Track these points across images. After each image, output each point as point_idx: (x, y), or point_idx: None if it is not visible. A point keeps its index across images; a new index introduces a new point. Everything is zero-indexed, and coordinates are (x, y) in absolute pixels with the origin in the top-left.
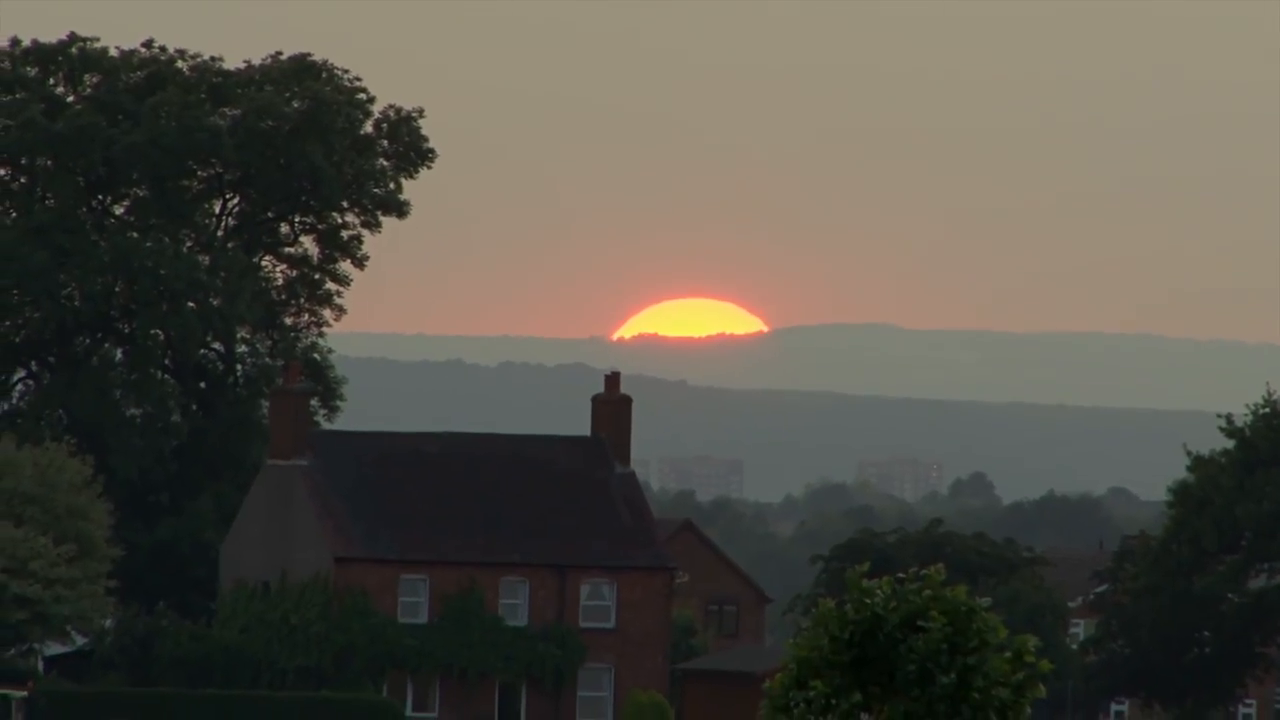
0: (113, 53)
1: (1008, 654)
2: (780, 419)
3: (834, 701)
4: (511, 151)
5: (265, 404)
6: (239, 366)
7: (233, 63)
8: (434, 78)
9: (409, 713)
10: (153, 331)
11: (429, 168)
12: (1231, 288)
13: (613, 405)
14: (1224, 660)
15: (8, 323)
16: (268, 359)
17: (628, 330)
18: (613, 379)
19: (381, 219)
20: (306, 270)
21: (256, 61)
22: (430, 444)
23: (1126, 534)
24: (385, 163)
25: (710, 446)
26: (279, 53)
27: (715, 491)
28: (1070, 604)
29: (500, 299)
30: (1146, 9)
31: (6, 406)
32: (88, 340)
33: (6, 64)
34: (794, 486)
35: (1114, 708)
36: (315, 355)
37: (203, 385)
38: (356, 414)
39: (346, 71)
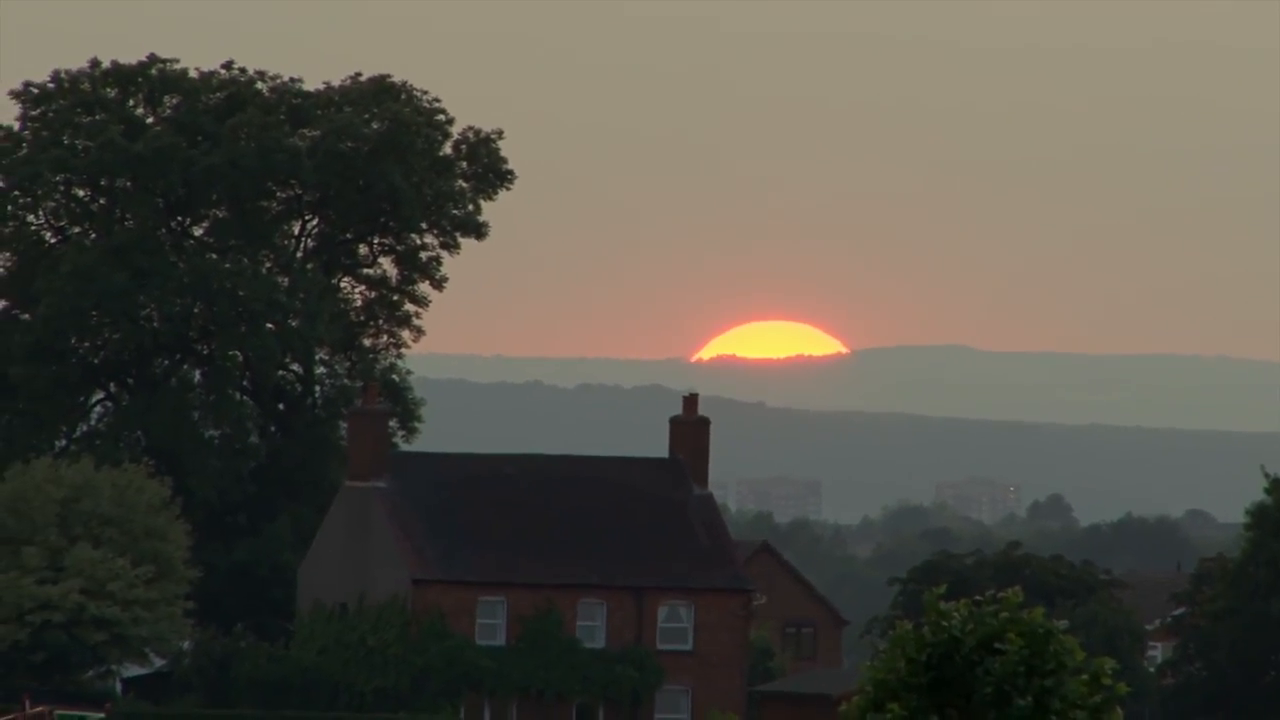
0: (192, 74)
1: (1085, 676)
2: (858, 440)
3: None
4: (589, 173)
5: (343, 425)
6: (317, 388)
7: (312, 84)
8: (513, 99)
9: None
10: (231, 353)
11: (508, 189)
12: None
13: (691, 426)
14: None
15: (87, 344)
16: (346, 380)
17: (708, 352)
18: (690, 400)
19: (460, 240)
20: (385, 291)
21: (336, 83)
22: (508, 466)
23: (1204, 556)
24: (464, 184)
25: (788, 468)
26: (358, 74)
27: (793, 513)
28: (1148, 626)
29: (578, 320)
30: (1212, 33)
31: (85, 428)
32: (166, 361)
33: (87, 85)
34: (871, 508)
35: None
36: (394, 376)
37: (281, 406)
38: (434, 435)
39: (425, 92)
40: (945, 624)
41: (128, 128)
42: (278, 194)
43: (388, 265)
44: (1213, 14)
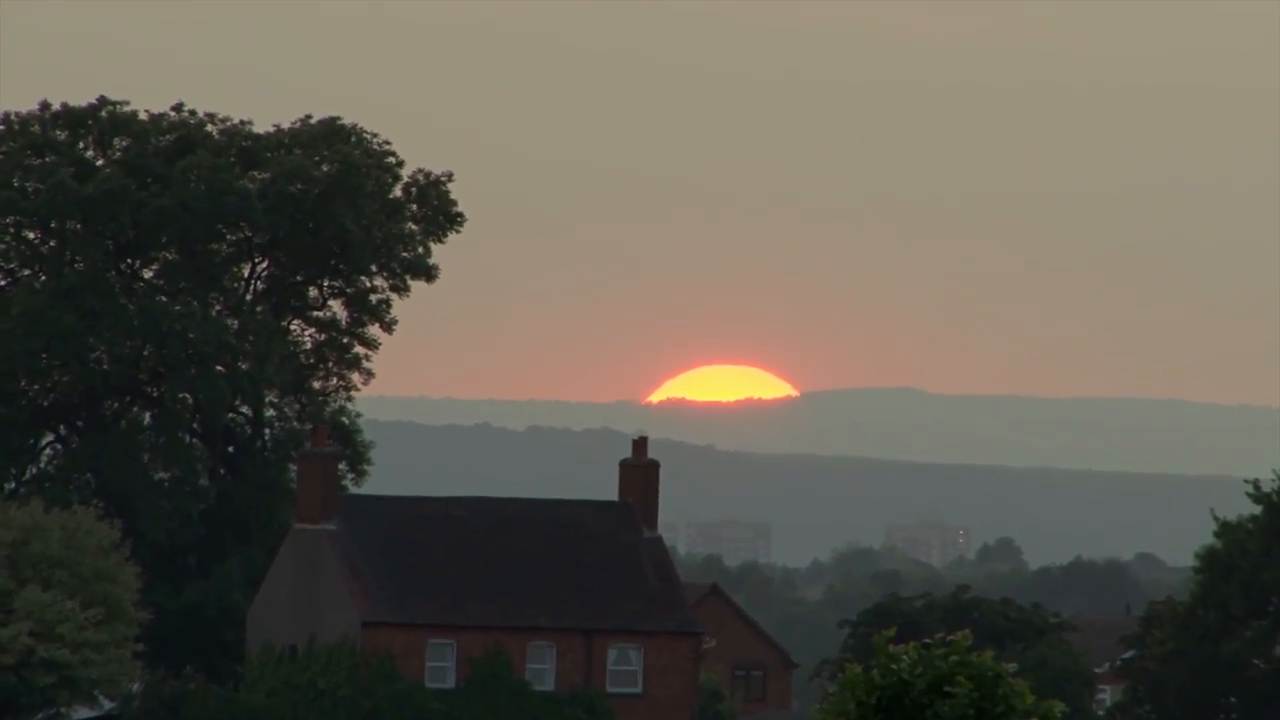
0: (142, 116)
1: (1034, 719)
2: (808, 483)
3: None
4: (540, 217)
5: (293, 467)
6: (267, 430)
7: (262, 126)
8: (463, 142)
9: None
10: (181, 395)
11: (458, 232)
12: (1258, 353)
13: (640, 469)
14: None
15: (36, 386)
16: (295, 423)
17: (658, 395)
18: (640, 443)
19: (410, 283)
20: (335, 334)
21: (286, 125)
22: (458, 508)
23: (1154, 599)
24: (414, 227)
25: (738, 511)
26: (308, 116)
27: (743, 556)
28: (1097, 669)
29: (528, 363)
30: (1164, 76)
31: (34, 470)
32: (116, 404)
33: (36, 128)
34: (821, 551)
35: None
36: (343, 419)
37: (231, 449)
38: (384, 478)
39: (375, 135)
40: (895, 667)
41: (78, 170)
42: (228, 236)
43: (337, 308)
44: (1167, 56)
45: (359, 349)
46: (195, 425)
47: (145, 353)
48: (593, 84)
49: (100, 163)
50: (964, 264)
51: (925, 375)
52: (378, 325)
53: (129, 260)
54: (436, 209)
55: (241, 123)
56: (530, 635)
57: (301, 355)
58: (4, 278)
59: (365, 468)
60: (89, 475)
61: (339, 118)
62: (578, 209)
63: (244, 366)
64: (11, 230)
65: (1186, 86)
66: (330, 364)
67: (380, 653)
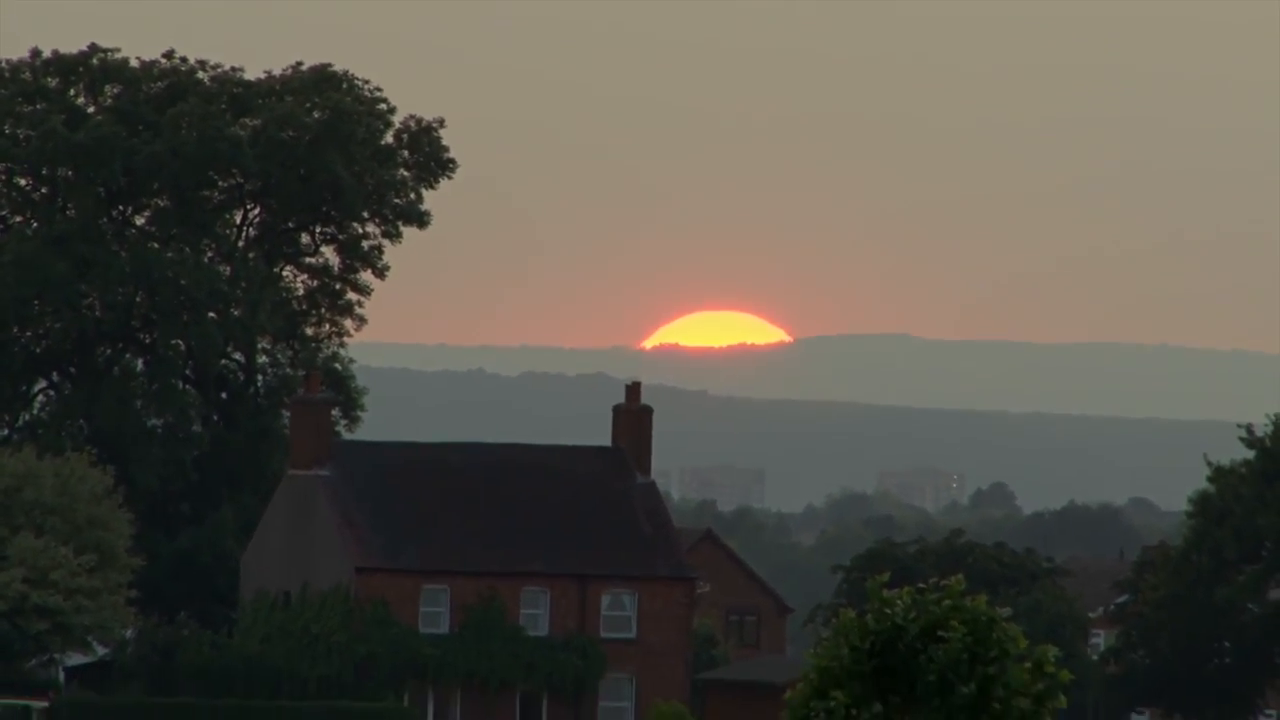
0: (133, 63)
1: (1028, 664)
2: (801, 429)
3: (854, 712)
4: (532, 162)
5: (286, 414)
6: (260, 377)
7: (253, 73)
8: (455, 88)
9: None
10: (173, 342)
11: (450, 178)
12: (1253, 297)
13: (634, 415)
14: (1244, 671)
15: (28, 333)
16: (288, 369)
17: (652, 341)
18: (634, 389)
19: (402, 229)
20: (327, 280)
21: (277, 72)
22: (451, 454)
23: (1147, 544)
24: (406, 173)
25: (731, 456)
26: (300, 63)
27: (736, 501)
28: (1091, 614)
29: (521, 309)
30: (1183, 10)
31: (27, 417)
32: (108, 351)
33: (28, 75)
34: (815, 496)
35: (1135, 718)
36: (336, 365)
37: (223, 395)
38: (377, 424)
39: (367, 82)
40: (888, 612)
41: (69, 117)
42: (219, 183)
43: (330, 254)
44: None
45: (351, 295)
46: (188, 372)
47: (137, 299)
48: (585, 30)
49: (92, 110)
50: (957, 209)
51: (919, 320)
52: (370, 271)
53: (121, 207)
54: (428, 155)
55: (233, 69)
56: (524, 580)
57: (294, 302)
58: None
59: (358, 414)
60: (82, 422)
61: (330, 64)
62: (571, 156)
63: (236, 313)
64: (3, 177)
65: (1188, 17)
66: (323, 310)
67: (374, 599)
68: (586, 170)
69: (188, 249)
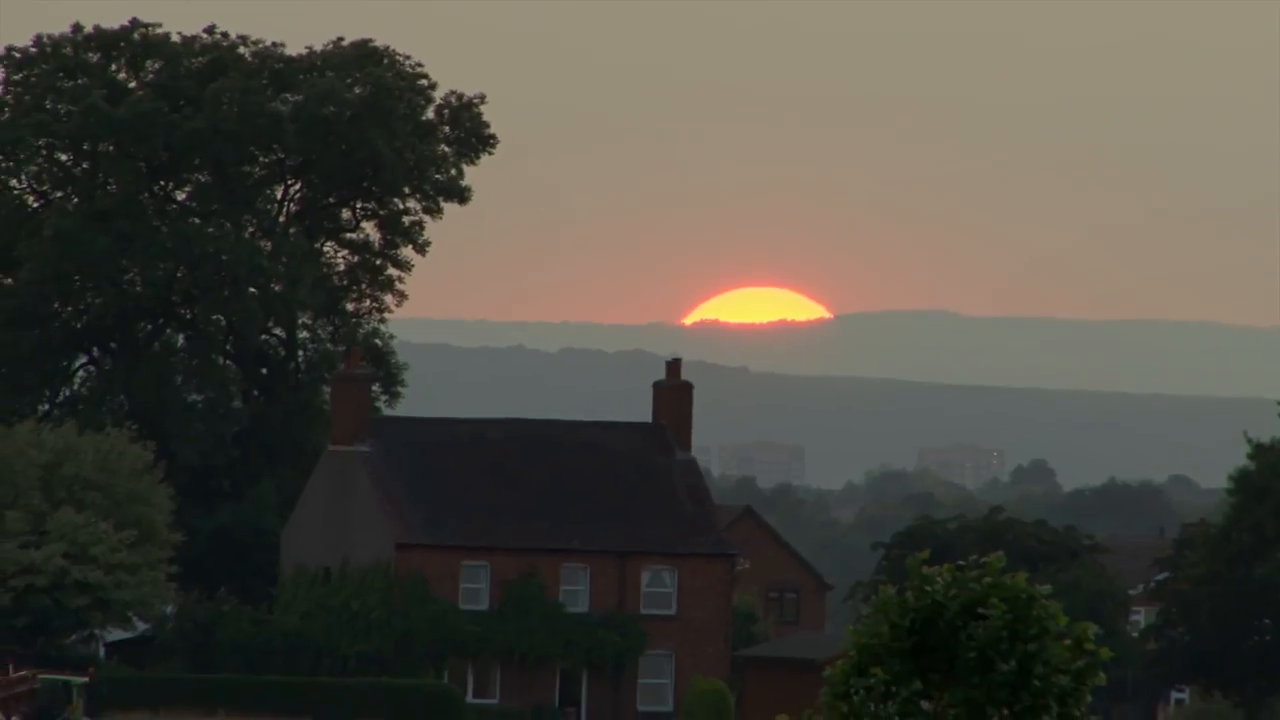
0: (175, 39)
1: (1068, 641)
2: (841, 405)
3: (894, 689)
4: (571, 138)
5: (327, 390)
6: (300, 352)
7: (294, 48)
8: (495, 64)
9: (470, 699)
10: (214, 317)
11: (490, 154)
12: None
13: (674, 391)
14: None
15: (70, 308)
16: (329, 345)
17: (692, 318)
18: (674, 365)
19: (443, 205)
20: (368, 256)
21: (318, 47)
22: (491, 430)
23: (1187, 521)
24: (447, 149)
25: (771, 433)
26: (341, 39)
27: (776, 478)
28: (1131, 591)
29: (562, 285)
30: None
31: (68, 392)
32: (149, 326)
33: (69, 50)
34: (855, 473)
35: (1174, 695)
36: (376, 341)
37: (264, 371)
38: (418, 400)
39: (408, 58)
40: (928, 589)
41: (110, 92)
42: (260, 158)
43: (370, 230)
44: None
45: (392, 271)
46: (228, 347)
47: (178, 275)
48: (625, 6)
49: (133, 85)
50: (999, 185)
51: (959, 297)
52: (411, 247)
53: (162, 182)
54: (469, 131)
55: (274, 45)
56: (564, 557)
57: (334, 277)
58: (37, 200)
59: (399, 390)
60: (122, 397)
61: (371, 40)
62: (611, 132)
63: (277, 288)
64: (44, 153)
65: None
66: (363, 286)
67: (414, 575)
68: (627, 146)
69: (228, 224)
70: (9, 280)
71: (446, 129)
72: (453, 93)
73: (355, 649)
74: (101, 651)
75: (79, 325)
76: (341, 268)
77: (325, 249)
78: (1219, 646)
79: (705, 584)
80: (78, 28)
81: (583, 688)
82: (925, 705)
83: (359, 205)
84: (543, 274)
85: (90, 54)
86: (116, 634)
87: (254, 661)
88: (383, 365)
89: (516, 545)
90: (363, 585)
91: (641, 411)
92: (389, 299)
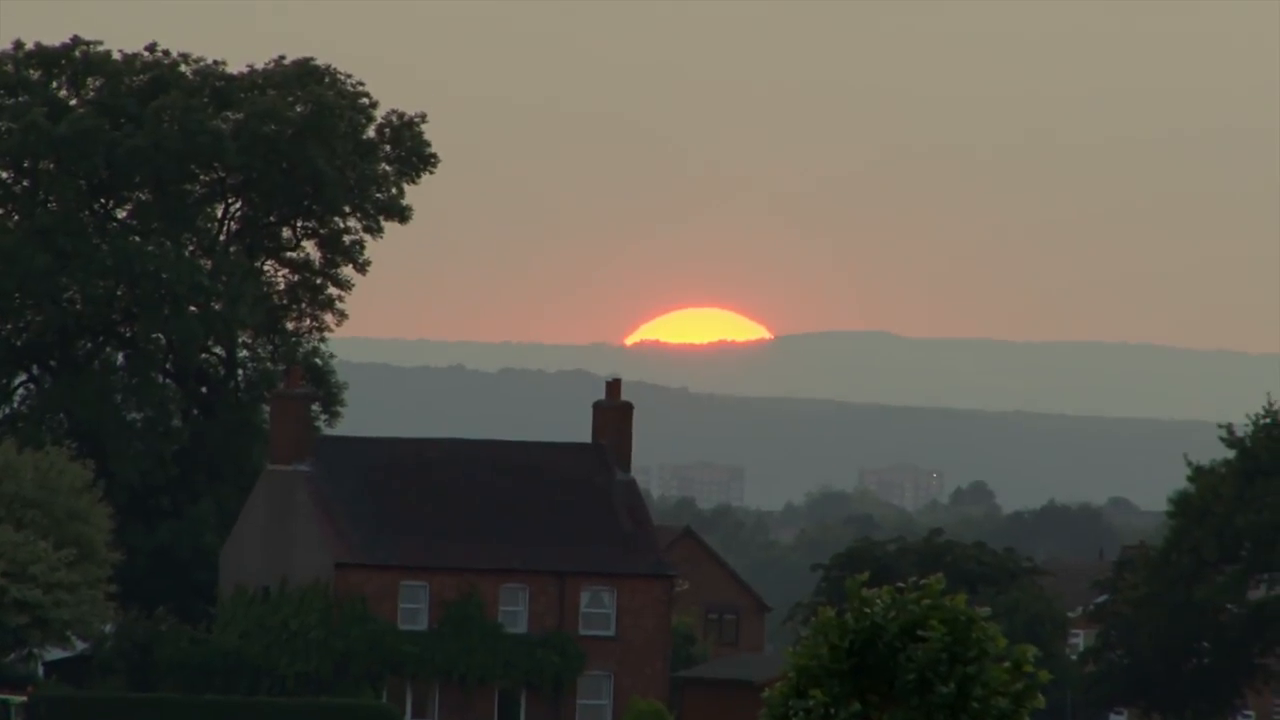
0: (115, 56)
1: (1007, 664)
2: (781, 426)
3: (833, 710)
4: (512, 158)
5: (266, 409)
6: (240, 371)
7: (235, 67)
8: (436, 83)
9: (408, 719)
10: (154, 335)
11: (431, 173)
12: (1233, 298)
13: (614, 412)
14: (1223, 671)
15: (9, 326)
16: (269, 363)
17: (634, 338)
18: (614, 385)
19: (383, 224)
20: (308, 275)
21: (260, 66)
22: (431, 450)
23: (1126, 544)
24: (388, 167)
25: (711, 453)
26: (282, 57)
27: (716, 499)
28: (1070, 614)
29: (502, 305)
30: (1147, 25)
31: (8, 410)
32: (89, 344)
33: (9, 67)
34: (795, 494)
35: (1113, 717)
36: (316, 360)
37: (204, 389)
38: (358, 419)
39: (349, 76)
40: (868, 611)
41: (51, 110)
42: (201, 176)
43: (311, 248)
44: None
45: (332, 290)
46: (168, 366)
47: (118, 293)
48: (566, 24)
49: (74, 102)
50: (940, 208)
51: (899, 319)
52: (351, 266)
53: (102, 200)
54: (410, 150)
55: (215, 63)
56: (503, 577)
57: (275, 296)
58: None
59: (339, 409)
60: (62, 415)
61: (313, 58)
62: (551, 150)
63: (217, 307)
64: None
65: (1172, 30)
66: (303, 305)
67: (353, 594)
68: (569, 168)
69: (169, 242)
70: None
71: (387, 148)
72: (394, 111)
73: (294, 669)
74: (40, 670)
75: (18, 343)
76: (282, 286)
77: (265, 268)
78: (1158, 669)
79: (644, 605)
80: (19, 45)
81: (521, 708)
82: None
83: (299, 224)
84: (483, 294)
85: (31, 71)
86: (55, 653)
87: (193, 681)
88: (323, 384)
89: (455, 565)
90: (302, 605)
91: (582, 432)
92: (329, 318)
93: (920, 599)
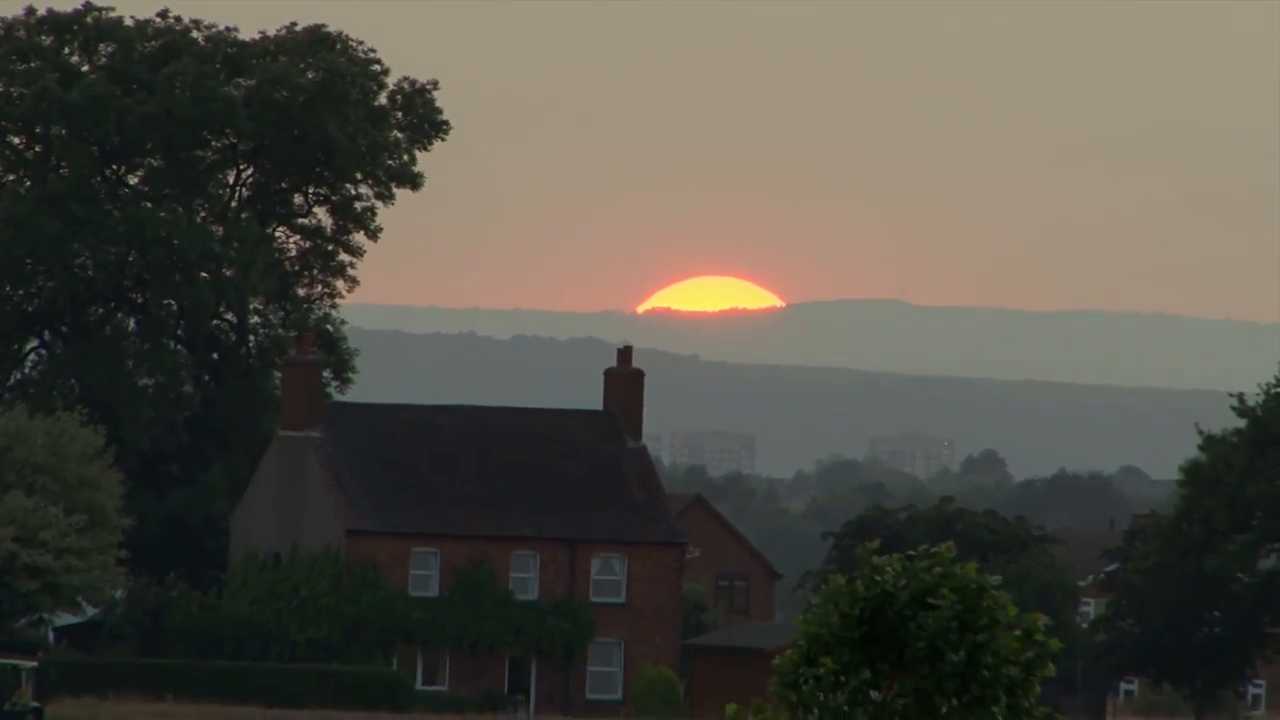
0: (128, 22)
1: (1017, 632)
2: (793, 395)
3: (843, 678)
4: (524, 125)
5: (277, 375)
6: (251, 337)
7: (247, 33)
8: (448, 50)
9: (419, 686)
10: (165, 302)
11: (443, 140)
12: (1245, 267)
13: (625, 379)
14: (1234, 640)
15: (20, 292)
16: (280, 330)
17: (646, 306)
18: (625, 353)
19: (395, 191)
20: (320, 241)
21: (271, 32)
22: (442, 417)
23: (1137, 513)
24: (399, 134)
25: (722, 422)
26: (294, 23)
27: (727, 467)
28: (1081, 582)
29: (513, 272)
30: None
31: (18, 376)
32: (100, 310)
33: (21, 33)
34: (806, 462)
35: (1123, 686)
36: (328, 326)
37: (215, 356)
38: (369, 386)
39: (361, 43)
40: (878, 579)
41: (63, 76)
42: (213, 143)
43: (322, 215)
44: None
45: (344, 256)
46: (180, 332)
47: (130, 259)
48: None
49: (85, 69)
50: (951, 175)
51: (911, 287)
52: (363, 233)
53: (114, 166)
54: (422, 117)
55: (227, 29)
56: (514, 544)
57: (286, 262)
58: None
59: (350, 375)
60: (73, 381)
61: (324, 25)
62: (565, 119)
63: (228, 273)
64: None
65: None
66: (315, 271)
67: (364, 561)
68: (581, 134)
69: (180, 209)
70: None
71: (399, 115)
72: (405, 78)
73: (304, 635)
74: (50, 636)
75: (30, 309)
76: (293, 253)
77: (277, 234)
78: (1169, 638)
79: (655, 572)
80: (31, 11)
81: (532, 675)
82: (874, 695)
83: (311, 190)
84: (495, 260)
85: (43, 37)
86: (65, 618)
87: (203, 647)
88: (334, 351)
89: (466, 532)
90: (312, 571)
91: (593, 399)
92: (340, 284)
93: (931, 567)
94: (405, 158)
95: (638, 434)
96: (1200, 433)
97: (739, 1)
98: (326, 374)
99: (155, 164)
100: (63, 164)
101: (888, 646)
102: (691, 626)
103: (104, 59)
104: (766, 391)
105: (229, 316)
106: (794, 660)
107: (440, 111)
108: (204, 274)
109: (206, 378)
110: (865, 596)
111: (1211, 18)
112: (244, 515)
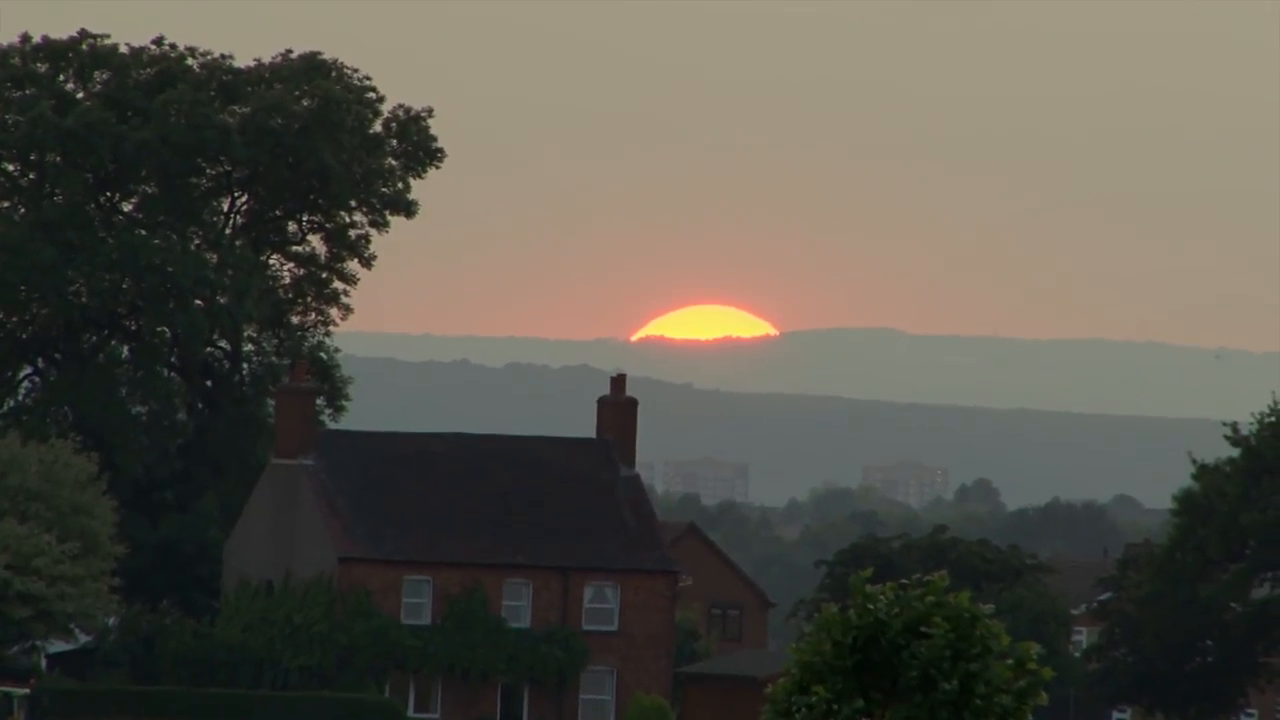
0: (123, 50)
1: (1010, 661)
2: (786, 423)
3: (836, 707)
4: (519, 153)
5: (271, 403)
6: (245, 365)
7: (242, 60)
8: (444, 78)
9: (411, 713)
10: (159, 329)
11: (437, 168)
12: (1238, 297)
13: (618, 407)
14: (1227, 669)
15: (15, 319)
16: (274, 357)
17: (640, 334)
18: (618, 381)
19: (389, 218)
20: (314, 269)
21: (266, 60)
22: (436, 444)
23: (1131, 542)
24: (394, 162)
25: (716, 450)
26: (289, 51)
27: (720, 495)
28: (1074, 611)
29: (507, 300)
30: (1151, 23)
31: (12, 403)
32: (94, 337)
33: (17, 60)
34: (799, 491)
35: (1116, 715)
36: (321, 354)
37: (209, 383)
38: (362, 414)
39: (356, 70)
40: (871, 607)
41: (58, 103)
42: (207, 170)
43: (316, 243)
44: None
45: (338, 284)
46: (173, 359)
47: (124, 286)
48: (573, 21)
49: (80, 96)
50: (944, 206)
51: (904, 315)
52: (357, 261)
53: (108, 193)
54: (417, 144)
55: (222, 57)
56: (507, 572)
57: (280, 290)
58: None
59: (343, 403)
60: (67, 408)
61: (320, 52)
62: (559, 145)
63: (222, 301)
64: None
65: (1172, 29)
66: (309, 299)
67: (356, 589)
68: (575, 162)
69: (175, 236)
70: None
71: (394, 142)
72: (400, 106)
73: (297, 662)
74: (43, 663)
75: (24, 335)
76: (287, 280)
77: (271, 261)
78: (1162, 667)
79: (648, 600)
80: (26, 38)
81: (524, 703)
82: None
83: (305, 218)
84: (489, 288)
85: (39, 64)
86: (58, 645)
87: (196, 674)
88: (327, 378)
89: (459, 560)
90: (305, 599)
91: (586, 427)
92: (334, 312)
93: (924, 596)
94: (400, 185)
95: (631, 462)
96: (1194, 462)
97: (734, 36)
98: (320, 402)
99: (150, 191)
100: (57, 191)
101: (881, 675)
102: (684, 655)
103: (99, 86)
104: (760, 420)
105: (223, 344)
106: (787, 689)
107: (435, 139)
108: (198, 301)
109: (200, 405)
110: (858, 625)
111: (1208, 67)
112: (237, 542)
